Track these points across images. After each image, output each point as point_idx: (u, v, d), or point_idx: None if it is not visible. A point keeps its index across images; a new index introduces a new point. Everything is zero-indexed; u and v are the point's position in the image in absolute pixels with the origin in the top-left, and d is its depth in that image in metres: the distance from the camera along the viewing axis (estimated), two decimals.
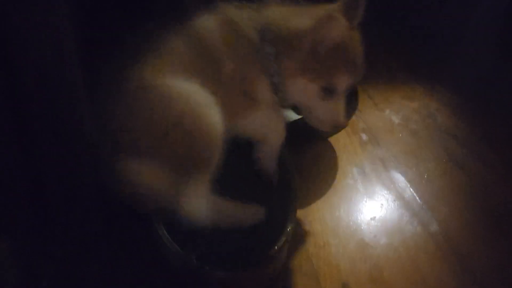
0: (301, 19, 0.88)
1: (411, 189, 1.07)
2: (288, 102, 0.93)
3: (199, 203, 0.83)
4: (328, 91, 0.88)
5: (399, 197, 1.05)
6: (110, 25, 0.95)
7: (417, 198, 1.05)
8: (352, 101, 1.14)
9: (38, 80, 0.67)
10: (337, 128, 1.04)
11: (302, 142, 1.14)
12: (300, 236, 0.93)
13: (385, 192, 1.06)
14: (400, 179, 1.10)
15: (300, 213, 0.90)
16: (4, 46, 0.63)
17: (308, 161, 1.12)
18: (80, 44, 0.68)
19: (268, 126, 0.94)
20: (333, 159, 1.14)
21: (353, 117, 1.23)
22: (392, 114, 1.31)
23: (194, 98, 0.83)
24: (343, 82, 0.87)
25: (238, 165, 0.95)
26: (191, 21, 0.90)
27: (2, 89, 0.65)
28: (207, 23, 0.90)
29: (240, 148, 0.93)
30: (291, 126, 0.98)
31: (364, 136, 1.22)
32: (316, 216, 0.99)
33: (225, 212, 0.88)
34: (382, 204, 1.03)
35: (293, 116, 1.10)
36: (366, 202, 1.03)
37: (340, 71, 0.86)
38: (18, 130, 0.69)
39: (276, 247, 0.79)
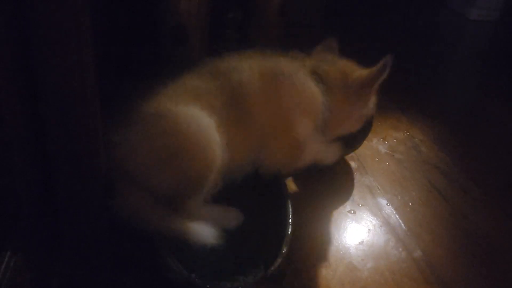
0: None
1: (397, 216, 1.13)
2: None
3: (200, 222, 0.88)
4: None
5: (385, 223, 1.10)
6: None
7: (402, 224, 1.10)
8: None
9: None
10: None
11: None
12: (293, 258, 0.97)
13: (372, 218, 1.12)
14: (386, 206, 1.16)
15: (293, 235, 0.95)
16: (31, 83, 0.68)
17: (300, 187, 1.18)
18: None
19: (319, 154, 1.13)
20: (324, 185, 1.20)
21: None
22: (379, 143, 1.38)
23: (198, 122, 0.89)
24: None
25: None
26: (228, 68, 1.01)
27: (24, 110, 0.70)
28: (246, 73, 1.00)
29: None
30: None
31: (353, 164, 1.28)
32: (308, 239, 1.04)
33: (208, 215, 0.94)
34: (369, 229, 1.08)
35: None
36: (354, 227, 1.09)
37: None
38: (33, 150, 0.74)
39: (272, 268, 0.84)
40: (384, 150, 1.35)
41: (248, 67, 1.00)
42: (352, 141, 1.21)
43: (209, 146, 0.89)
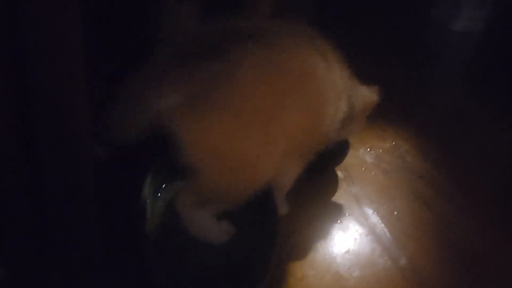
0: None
1: (383, 225, 1.14)
2: None
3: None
4: None
5: (372, 232, 1.12)
6: None
7: (388, 233, 1.12)
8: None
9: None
10: None
11: None
12: (280, 267, 0.98)
13: (359, 227, 1.13)
14: (372, 215, 1.17)
15: (280, 246, 0.96)
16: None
17: (288, 197, 1.19)
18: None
19: None
20: (311, 194, 1.22)
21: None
22: (365, 153, 1.40)
23: None
24: None
25: None
26: None
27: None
28: None
29: None
30: None
31: (340, 174, 1.29)
32: (295, 248, 1.05)
33: (200, 224, 0.93)
34: (355, 238, 1.10)
35: None
36: (341, 236, 1.10)
37: None
38: (24, 160, 0.74)
39: (261, 276, 0.85)
40: (371, 160, 1.37)
41: None
42: None
43: None
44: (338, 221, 1.14)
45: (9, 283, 0.67)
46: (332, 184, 1.27)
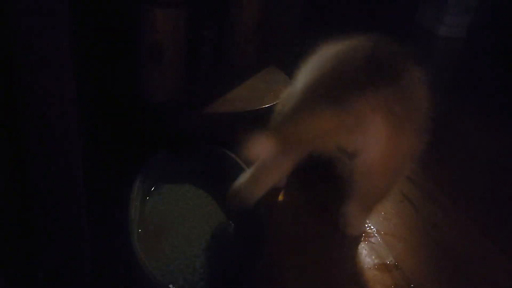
0: None
1: (370, 225, 1.16)
2: None
3: None
4: None
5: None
6: None
7: (375, 233, 1.13)
8: None
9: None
10: None
11: None
12: (268, 267, 0.99)
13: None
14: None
15: (268, 246, 0.97)
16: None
17: (274, 198, 1.20)
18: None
19: None
20: (299, 194, 1.23)
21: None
22: None
23: None
24: None
25: None
26: None
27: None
28: None
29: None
30: None
31: None
32: (283, 249, 1.06)
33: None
34: (343, 238, 1.11)
35: None
36: (328, 236, 1.11)
37: None
38: (12, 163, 0.75)
39: (249, 276, 0.87)
40: None
41: None
42: None
43: None
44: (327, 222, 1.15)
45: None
46: None
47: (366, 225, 1.15)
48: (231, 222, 1.04)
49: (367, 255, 1.07)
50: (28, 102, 0.73)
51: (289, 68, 1.45)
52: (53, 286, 0.85)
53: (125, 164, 1.12)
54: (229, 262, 0.94)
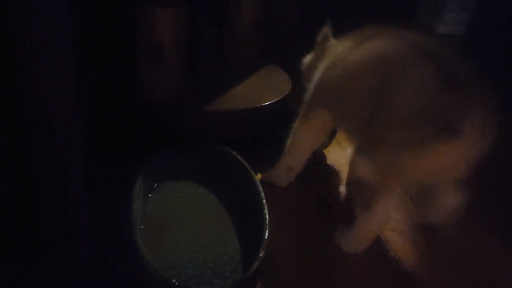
0: None
1: None
2: None
3: None
4: None
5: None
6: None
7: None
8: None
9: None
10: None
11: None
12: (270, 261, 0.99)
13: (348, 223, 1.14)
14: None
15: (269, 239, 0.97)
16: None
17: (275, 192, 1.21)
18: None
19: None
20: (301, 191, 1.23)
21: (321, 154, 1.36)
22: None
23: None
24: None
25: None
26: None
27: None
28: None
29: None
30: None
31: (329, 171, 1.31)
32: (285, 242, 1.06)
33: None
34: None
35: None
36: (330, 230, 1.11)
37: None
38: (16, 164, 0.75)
39: (250, 271, 0.87)
40: None
41: None
42: None
43: None
44: (328, 216, 1.16)
45: (9, 277, 0.68)
46: None
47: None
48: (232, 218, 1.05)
49: (368, 251, 1.07)
50: (30, 101, 0.74)
51: (289, 66, 1.46)
52: (56, 283, 0.85)
53: (126, 161, 1.13)
54: (230, 258, 0.95)
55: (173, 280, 0.84)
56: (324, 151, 1.38)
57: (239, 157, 1.14)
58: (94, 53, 1.22)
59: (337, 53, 1.09)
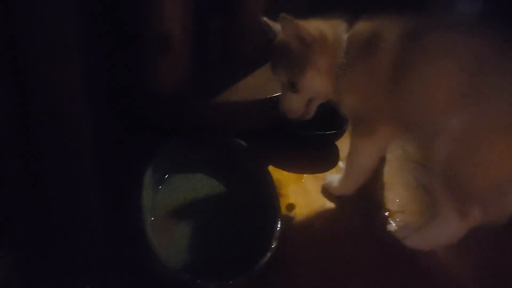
0: None
1: (386, 213, 1.14)
2: None
3: None
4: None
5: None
6: None
7: (391, 220, 1.12)
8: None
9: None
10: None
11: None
12: (281, 253, 0.98)
13: (361, 214, 1.13)
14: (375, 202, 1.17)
15: (281, 232, 0.96)
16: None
17: (292, 188, 1.19)
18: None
19: None
20: (313, 183, 1.22)
21: (334, 148, 1.34)
22: None
23: None
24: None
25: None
26: None
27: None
28: None
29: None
30: None
31: (341, 163, 1.29)
32: (296, 235, 1.05)
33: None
34: (359, 225, 1.10)
35: None
36: (344, 224, 1.10)
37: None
38: (24, 149, 0.74)
39: (261, 264, 0.85)
40: None
41: None
42: None
43: None
44: (341, 209, 1.14)
45: (15, 267, 0.67)
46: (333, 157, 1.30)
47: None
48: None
49: (388, 242, 1.05)
50: (39, 93, 0.73)
51: None
52: (67, 274, 0.84)
53: (136, 153, 1.11)
54: (242, 250, 0.93)
55: (187, 275, 0.82)
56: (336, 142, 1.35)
57: (249, 148, 1.12)
58: (102, 44, 1.21)
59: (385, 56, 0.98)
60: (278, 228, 0.93)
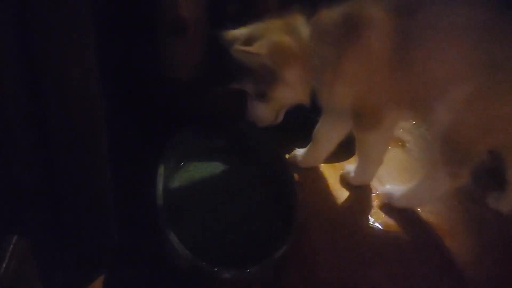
0: None
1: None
2: None
3: None
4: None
5: (396, 210, 1.08)
6: None
7: (413, 211, 1.08)
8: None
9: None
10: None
11: None
12: (299, 244, 0.95)
13: (382, 205, 1.10)
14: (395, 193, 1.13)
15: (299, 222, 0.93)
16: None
17: (309, 178, 1.17)
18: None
19: None
20: (332, 175, 1.19)
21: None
22: None
23: None
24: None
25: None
26: None
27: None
28: None
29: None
30: None
31: None
32: (315, 227, 1.02)
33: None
34: (381, 216, 1.07)
35: None
36: (364, 215, 1.07)
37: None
38: (38, 137, 0.72)
39: (279, 253, 0.83)
40: (391, 140, 1.33)
41: None
42: None
43: None
44: (361, 200, 1.11)
45: (27, 256, 0.65)
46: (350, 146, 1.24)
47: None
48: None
49: (405, 233, 1.02)
50: (51, 78, 0.71)
51: None
52: (80, 262, 0.83)
53: (151, 140, 1.09)
54: (258, 239, 0.91)
55: (201, 261, 0.80)
56: None
57: (266, 135, 1.09)
58: (117, 30, 1.19)
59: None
60: (295, 217, 0.90)
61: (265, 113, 1.05)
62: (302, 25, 0.99)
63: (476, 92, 0.89)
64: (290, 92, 1.01)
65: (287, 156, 1.18)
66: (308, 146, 1.16)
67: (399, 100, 0.98)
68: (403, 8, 0.93)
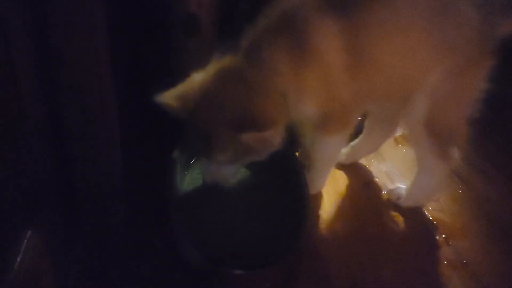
0: None
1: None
2: None
3: None
4: None
5: (407, 208, 1.09)
6: None
7: (423, 209, 1.08)
8: None
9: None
10: None
11: None
12: (310, 241, 0.96)
13: (393, 203, 1.10)
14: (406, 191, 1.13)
15: (310, 220, 0.94)
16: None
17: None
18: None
19: None
20: (343, 173, 1.19)
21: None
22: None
23: None
24: None
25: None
26: None
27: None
28: None
29: None
30: None
31: None
32: (326, 224, 1.03)
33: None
34: (391, 215, 1.07)
35: None
36: (374, 212, 1.07)
37: None
38: (53, 136, 0.74)
39: (291, 251, 0.83)
40: (400, 138, 1.33)
41: None
42: None
43: None
44: (370, 198, 1.11)
45: (42, 251, 0.67)
46: None
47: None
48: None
49: (417, 231, 1.02)
50: (66, 77, 0.72)
51: None
52: (94, 257, 0.84)
53: (163, 137, 1.10)
54: (269, 238, 0.91)
55: (212, 259, 0.81)
56: None
57: None
58: (129, 28, 1.20)
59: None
60: (307, 217, 0.90)
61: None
62: (246, 69, 0.90)
63: (446, 73, 0.91)
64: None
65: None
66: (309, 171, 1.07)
67: (367, 97, 0.96)
68: (343, 8, 0.87)
